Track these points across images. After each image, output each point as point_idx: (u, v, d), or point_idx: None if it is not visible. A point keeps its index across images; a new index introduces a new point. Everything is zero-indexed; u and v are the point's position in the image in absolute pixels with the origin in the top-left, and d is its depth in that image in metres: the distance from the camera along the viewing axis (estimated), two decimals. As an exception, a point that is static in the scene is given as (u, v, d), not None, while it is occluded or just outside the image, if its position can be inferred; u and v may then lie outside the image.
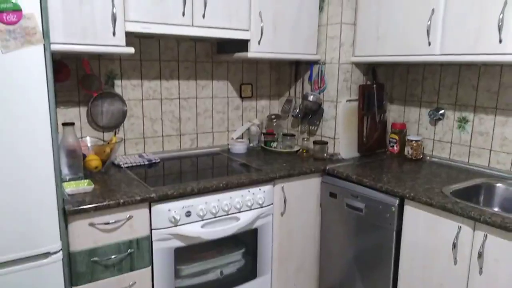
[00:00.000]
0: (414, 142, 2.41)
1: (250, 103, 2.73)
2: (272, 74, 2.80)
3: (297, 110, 2.61)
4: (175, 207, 1.76)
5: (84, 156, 1.91)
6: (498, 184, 2.00)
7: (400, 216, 1.90)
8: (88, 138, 2.12)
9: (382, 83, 2.57)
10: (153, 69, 2.31)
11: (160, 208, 1.73)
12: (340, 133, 2.43)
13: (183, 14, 1.94)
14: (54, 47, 1.62)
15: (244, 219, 1.96)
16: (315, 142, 2.43)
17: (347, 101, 2.42)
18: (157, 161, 2.21)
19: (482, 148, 2.20)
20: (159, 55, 2.32)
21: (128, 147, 2.29)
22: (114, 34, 1.77)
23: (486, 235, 1.57)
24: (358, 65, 2.44)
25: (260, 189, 2.01)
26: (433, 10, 1.95)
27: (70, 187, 1.66)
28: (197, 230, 1.82)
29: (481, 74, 2.18)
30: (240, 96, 2.68)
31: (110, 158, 2.01)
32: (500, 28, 1.71)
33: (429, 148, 2.46)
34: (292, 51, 2.36)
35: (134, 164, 2.12)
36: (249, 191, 1.97)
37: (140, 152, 2.33)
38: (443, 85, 2.36)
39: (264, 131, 2.73)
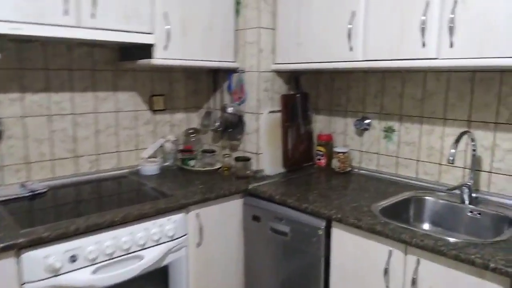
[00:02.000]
0: (341, 154, 2.26)
1: (163, 117, 2.41)
2: (188, 84, 2.51)
3: (218, 124, 2.35)
4: (54, 253, 1.39)
5: None
6: (427, 197, 1.88)
7: (327, 240, 1.70)
8: None
9: (306, 93, 2.39)
10: (38, 79, 1.92)
11: (33, 256, 1.36)
12: (263, 147, 2.20)
13: (66, 12, 1.60)
14: None
15: (149, 257, 1.64)
16: (236, 159, 2.18)
17: (269, 112, 2.21)
18: (43, 191, 1.82)
19: (410, 158, 2.09)
20: (46, 62, 1.93)
21: (7, 175, 1.87)
22: (-34, 35, 1.39)
23: (419, 260, 1.42)
24: (280, 73, 2.24)
25: (169, 219, 1.71)
26: (353, 12, 1.80)
27: None
28: (86, 278, 1.47)
29: (405, 81, 2.07)
30: (151, 109, 2.35)
31: (-25, 192, 1.60)
32: (423, 31, 1.59)
33: (357, 159, 2.32)
34: (206, 58, 2.09)
35: (12, 197, 1.71)
36: (154, 223, 1.66)
37: (22, 181, 1.91)
38: (368, 93, 2.23)
39: (180, 147, 2.43)
